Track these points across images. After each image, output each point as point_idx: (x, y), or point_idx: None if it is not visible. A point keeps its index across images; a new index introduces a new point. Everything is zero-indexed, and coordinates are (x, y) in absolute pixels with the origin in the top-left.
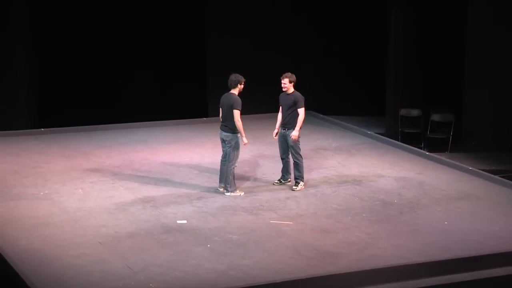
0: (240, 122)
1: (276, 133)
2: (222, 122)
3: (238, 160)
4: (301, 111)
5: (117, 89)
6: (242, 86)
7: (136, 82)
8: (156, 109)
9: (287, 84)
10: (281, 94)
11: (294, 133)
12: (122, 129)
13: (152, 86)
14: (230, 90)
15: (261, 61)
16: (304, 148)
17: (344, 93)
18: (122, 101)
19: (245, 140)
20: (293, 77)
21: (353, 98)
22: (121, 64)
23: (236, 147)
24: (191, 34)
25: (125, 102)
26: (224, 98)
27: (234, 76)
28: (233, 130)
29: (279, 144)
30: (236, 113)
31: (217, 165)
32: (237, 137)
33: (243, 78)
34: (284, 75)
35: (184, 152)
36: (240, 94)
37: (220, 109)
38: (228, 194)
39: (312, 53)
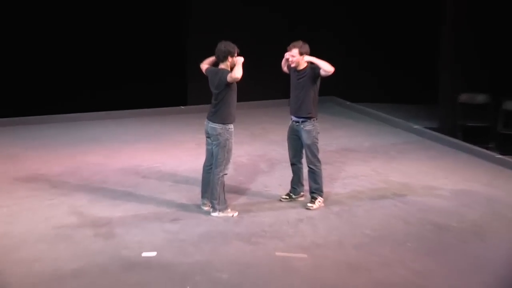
0: (237, 70)
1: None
2: (211, 108)
3: (230, 164)
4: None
5: (59, 68)
6: (236, 59)
7: (88, 58)
8: (116, 95)
9: (296, 57)
10: (290, 69)
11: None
12: (65, 122)
13: (111, 63)
14: (218, 64)
15: (263, 30)
16: (324, 149)
17: (381, 73)
18: (67, 84)
19: (242, 60)
20: (305, 48)
21: (393, 79)
22: (68, 35)
23: (226, 145)
24: None
25: (70, 85)
26: (211, 75)
27: (223, 45)
28: (224, 119)
29: (288, 143)
30: (230, 76)
31: (200, 173)
32: (228, 132)
33: (236, 47)
34: (292, 45)
35: (153, 155)
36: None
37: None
38: (215, 214)
39: (335, 20)
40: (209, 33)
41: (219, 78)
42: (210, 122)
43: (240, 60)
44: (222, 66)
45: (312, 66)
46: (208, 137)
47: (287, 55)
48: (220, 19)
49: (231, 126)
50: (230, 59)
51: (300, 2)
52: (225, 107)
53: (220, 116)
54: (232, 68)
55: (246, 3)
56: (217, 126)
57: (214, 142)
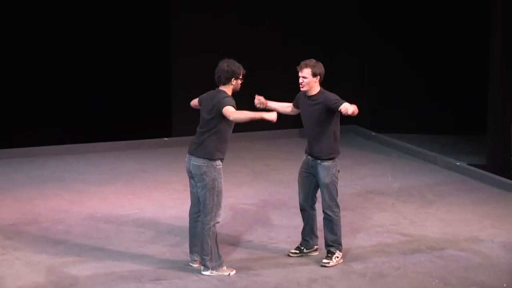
0: (241, 115)
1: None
2: (195, 138)
3: (221, 210)
4: (347, 105)
5: (16, 95)
6: (240, 81)
7: (50, 82)
8: (85, 125)
9: (308, 79)
10: (300, 97)
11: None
12: (22, 157)
13: (77, 86)
14: (219, 86)
15: (266, 50)
16: (344, 191)
17: (412, 97)
18: (26, 113)
19: (270, 116)
20: (319, 68)
21: (428, 105)
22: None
23: (214, 186)
24: (150, 14)
25: (30, 114)
26: (206, 98)
27: (226, 65)
28: (211, 154)
29: (299, 182)
30: (228, 109)
31: (187, 222)
32: (215, 170)
33: (241, 68)
34: (303, 63)
35: (130, 199)
36: (234, 95)
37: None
38: (207, 273)
39: (358, 37)
40: (198, 52)
41: (216, 102)
42: (193, 158)
43: (267, 116)
44: (222, 88)
45: (327, 95)
46: (191, 177)
47: (257, 101)
48: (212, 34)
49: (219, 162)
50: (234, 81)
51: (312, 19)
52: (215, 139)
53: (205, 149)
54: (234, 93)
55: (241, 22)
56: (201, 163)
57: (199, 184)
